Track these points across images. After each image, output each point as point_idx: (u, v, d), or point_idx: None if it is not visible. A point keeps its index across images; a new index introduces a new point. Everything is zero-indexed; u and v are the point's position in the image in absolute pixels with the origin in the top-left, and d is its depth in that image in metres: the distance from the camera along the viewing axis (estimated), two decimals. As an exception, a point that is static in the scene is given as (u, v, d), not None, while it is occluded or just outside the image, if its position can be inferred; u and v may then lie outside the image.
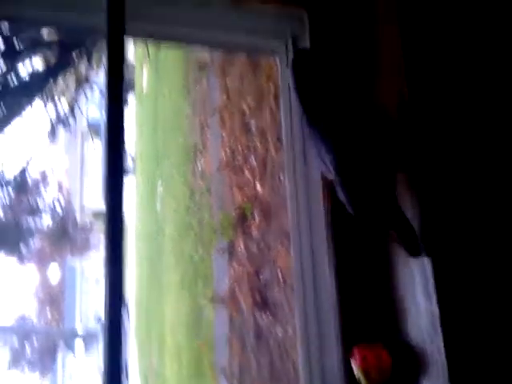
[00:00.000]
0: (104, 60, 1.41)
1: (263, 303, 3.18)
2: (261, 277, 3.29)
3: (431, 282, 1.02)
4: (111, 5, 1.28)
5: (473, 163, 1.12)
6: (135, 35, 1.76)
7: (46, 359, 11.30)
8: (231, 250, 3.88)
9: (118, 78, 1.26)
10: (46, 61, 5.66)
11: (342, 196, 1.07)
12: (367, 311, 1.22)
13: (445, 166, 1.11)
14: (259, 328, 3.20)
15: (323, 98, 1.10)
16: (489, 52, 1.20)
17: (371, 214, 1.06)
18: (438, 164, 1.11)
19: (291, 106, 1.48)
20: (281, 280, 2.91)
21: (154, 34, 1.65)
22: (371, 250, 1.26)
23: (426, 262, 1.05)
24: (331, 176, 1.09)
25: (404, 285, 1.14)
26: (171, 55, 7.15)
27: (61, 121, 6.19)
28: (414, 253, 1.07)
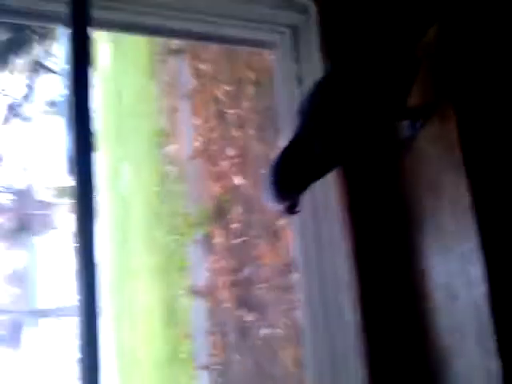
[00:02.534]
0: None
1: (246, 301, 3.10)
2: (242, 273, 3.21)
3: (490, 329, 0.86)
4: None
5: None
6: (102, 26, 1.58)
7: (13, 335, 11.30)
8: (209, 243, 3.77)
9: (83, 68, 1.19)
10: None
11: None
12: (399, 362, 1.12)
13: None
14: (242, 326, 3.14)
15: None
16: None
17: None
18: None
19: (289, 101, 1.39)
20: (265, 278, 2.83)
21: (126, 26, 1.49)
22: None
23: (482, 302, 0.93)
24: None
25: (450, 329, 1.01)
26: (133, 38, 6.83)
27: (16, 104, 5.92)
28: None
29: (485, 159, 1.00)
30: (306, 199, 1.35)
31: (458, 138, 1.00)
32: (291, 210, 1.08)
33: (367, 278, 1.21)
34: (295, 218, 1.38)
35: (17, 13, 1.31)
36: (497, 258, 0.94)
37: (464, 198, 0.99)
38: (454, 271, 1.02)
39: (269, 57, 2.87)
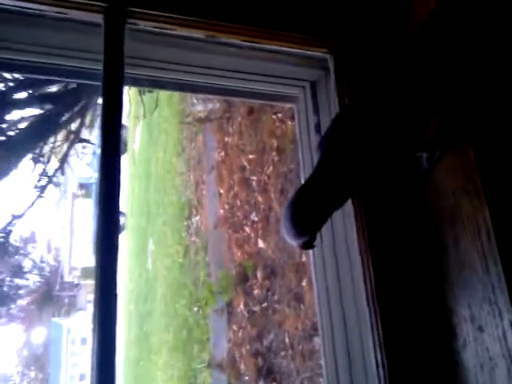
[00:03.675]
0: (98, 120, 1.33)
1: (268, 371, 2.96)
2: (264, 341, 3.09)
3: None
4: (108, 48, 1.20)
5: None
6: (135, 83, 1.66)
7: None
8: (230, 311, 3.68)
9: (114, 131, 1.15)
10: (38, 116, 5.60)
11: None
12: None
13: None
14: (264, 397, 2.97)
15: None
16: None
17: None
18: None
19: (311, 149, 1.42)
20: (288, 345, 2.71)
21: (156, 82, 1.57)
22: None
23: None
24: None
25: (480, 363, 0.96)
26: (164, 114, 7.18)
27: (50, 179, 6.09)
28: None
29: (504, 187, 0.99)
30: (326, 237, 1.34)
31: (476, 168, 1.00)
32: (309, 245, 1.06)
33: (390, 322, 1.16)
34: (316, 263, 1.36)
35: (52, 70, 1.38)
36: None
37: (485, 227, 0.97)
38: (478, 301, 0.97)
39: (290, 123, 2.99)
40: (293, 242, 1.04)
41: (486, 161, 1.03)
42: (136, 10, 1.25)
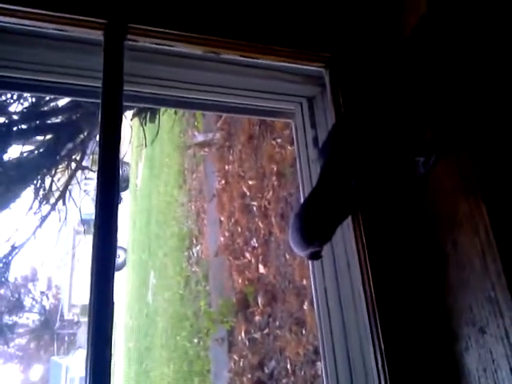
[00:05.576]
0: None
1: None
2: (266, 369, 3.02)
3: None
4: (108, 64, 1.22)
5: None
6: (133, 101, 1.67)
7: None
8: (231, 340, 3.62)
9: (113, 148, 1.15)
10: (39, 147, 5.61)
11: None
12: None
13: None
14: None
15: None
16: None
17: None
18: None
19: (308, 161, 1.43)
20: (290, 372, 2.64)
21: (154, 100, 1.58)
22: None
23: None
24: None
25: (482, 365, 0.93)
26: (166, 148, 7.27)
27: (52, 209, 6.05)
28: None
29: (499, 184, 0.99)
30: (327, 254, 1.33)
31: (471, 166, 1.00)
32: (317, 255, 1.04)
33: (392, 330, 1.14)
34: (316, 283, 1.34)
35: (52, 88, 1.39)
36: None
37: (483, 224, 0.97)
38: (479, 301, 0.96)
39: (289, 148, 3.02)
40: (301, 253, 1.02)
41: (481, 159, 1.03)
42: (135, 26, 1.28)
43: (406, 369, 1.10)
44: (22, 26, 1.21)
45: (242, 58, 1.40)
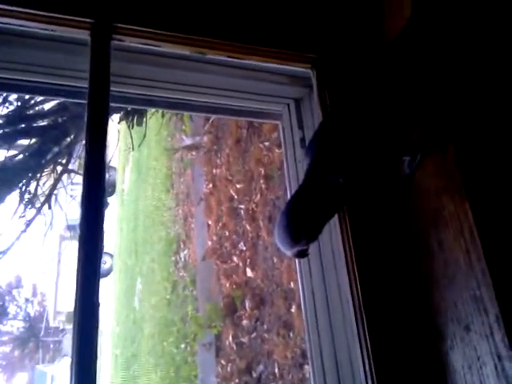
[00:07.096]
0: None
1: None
2: (253, 373, 3.00)
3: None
4: (95, 64, 1.21)
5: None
6: (119, 101, 1.65)
7: None
8: (218, 345, 3.60)
9: (99, 150, 1.14)
10: (25, 151, 5.53)
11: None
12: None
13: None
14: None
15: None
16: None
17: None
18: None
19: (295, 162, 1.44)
20: (278, 375, 2.63)
21: (141, 100, 1.57)
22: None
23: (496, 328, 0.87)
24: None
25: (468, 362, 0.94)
26: (153, 151, 7.24)
27: (38, 212, 5.96)
28: None
29: (484, 183, 1.00)
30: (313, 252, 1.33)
31: (456, 166, 1.01)
32: (303, 254, 1.02)
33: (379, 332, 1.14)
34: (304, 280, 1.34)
35: (37, 88, 1.38)
36: (506, 280, 0.90)
37: (467, 223, 0.97)
38: (464, 299, 0.97)
39: (277, 151, 3.03)
40: (287, 252, 1.01)
41: (466, 159, 1.04)
42: (122, 26, 1.27)
43: (393, 370, 1.10)
44: (5, 25, 1.20)
45: (229, 59, 1.40)
